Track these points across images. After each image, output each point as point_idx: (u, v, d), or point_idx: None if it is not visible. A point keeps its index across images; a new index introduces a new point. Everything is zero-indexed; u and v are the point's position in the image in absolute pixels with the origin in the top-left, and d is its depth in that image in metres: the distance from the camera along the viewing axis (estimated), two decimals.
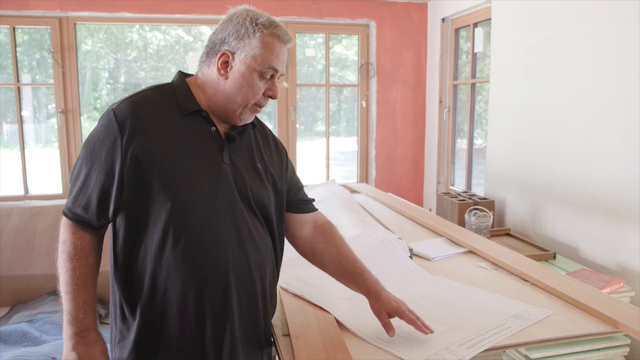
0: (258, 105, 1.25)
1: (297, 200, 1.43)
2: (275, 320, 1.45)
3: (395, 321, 1.38)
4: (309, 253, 1.45)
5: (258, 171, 1.29)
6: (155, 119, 1.18)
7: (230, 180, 1.22)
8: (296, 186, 1.45)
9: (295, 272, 1.76)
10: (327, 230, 1.46)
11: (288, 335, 1.35)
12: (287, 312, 1.46)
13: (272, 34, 1.19)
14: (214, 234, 1.17)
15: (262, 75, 1.20)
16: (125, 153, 1.13)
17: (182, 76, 1.28)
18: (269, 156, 1.35)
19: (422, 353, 1.23)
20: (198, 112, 1.22)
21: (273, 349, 1.40)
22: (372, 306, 1.33)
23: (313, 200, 1.49)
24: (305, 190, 2.91)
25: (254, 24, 1.18)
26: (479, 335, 1.31)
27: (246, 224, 1.23)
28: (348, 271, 1.39)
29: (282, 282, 1.67)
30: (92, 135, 1.18)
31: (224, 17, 1.24)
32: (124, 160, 1.13)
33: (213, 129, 1.23)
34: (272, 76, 1.23)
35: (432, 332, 1.28)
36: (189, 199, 1.16)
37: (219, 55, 1.20)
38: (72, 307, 1.15)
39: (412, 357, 1.21)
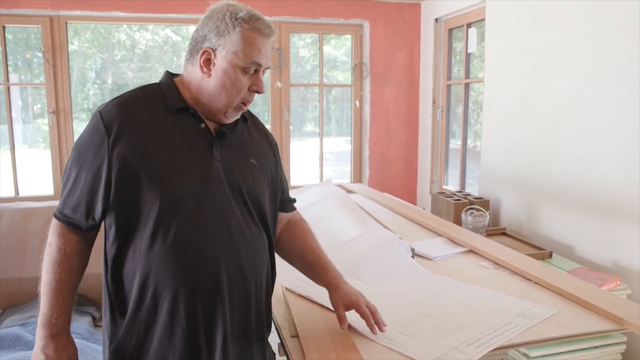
0: (244, 103, 1.23)
1: (282, 200, 1.43)
2: (282, 321, 1.45)
3: (404, 322, 1.38)
4: (276, 246, 1.46)
5: (252, 166, 1.28)
6: (143, 119, 1.18)
7: (221, 176, 1.21)
8: (283, 184, 1.45)
9: (298, 273, 1.75)
10: (297, 226, 1.48)
11: (296, 336, 1.35)
12: (293, 313, 1.46)
13: (252, 28, 1.18)
14: (204, 231, 1.17)
15: (245, 71, 1.19)
16: (111, 153, 1.13)
17: (170, 75, 1.28)
18: (262, 150, 1.35)
19: (431, 352, 1.23)
20: (186, 109, 1.22)
21: (281, 349, 1.39)
22: (330, 298, 1.37)
23: (294, 200, 1.50)
24: (302, 190, 2.91)
25: (233, 19, 1.17)
26: (487, 334, 1.31)
27: (237, 221, 1.22)
28: (311, 264, 1.42)
29: (286, 283, 1.67)
30: (81, 137, 1.18)
31: (205, 14, 1.24)
32: (111, 161, 1.13)
33: (202, 125, 1.23)
34: (257, 71, 1.21)
35: (382, 331, 1.31)
36: (178, 196, 1.15)
37: (200, 52, 1.20)
38: (47, 310, 1.17)
39: (421, 356, 1.22)
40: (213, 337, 1.19)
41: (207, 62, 1.19)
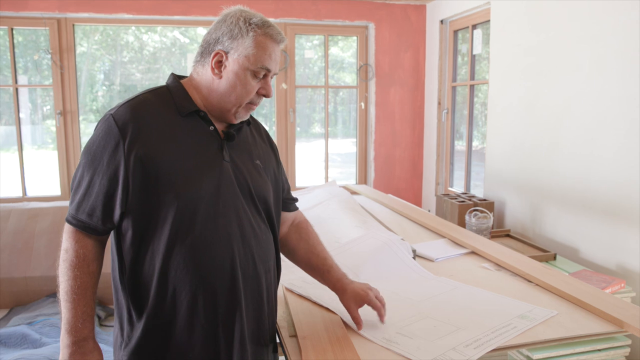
0: (252, 104, 1.27)
1: (284, 199, 1.47)
2: (282, 321, 1.46)
3: (402, 323, 1.38)
4: (283, 249, 1.50)
5: (257, 167, 1.32)
6: (155, 122, 1.19)
7: (231, 177, 1.24)
8: (285, 184, 1.48)
9: (300, 274, 1.75)
10: (303, 228, 1.51)
11: (295, 336, 1.35)
12: (293, 313, 1.46)
13: (265, 34, 1.21)
14: (219, 231, 1.19)
15: (255, 75, 1.22)
16: (128, 157, 1.13)
17: (176, 78, 1.29)
18: (264, 152, 1.39)
19: (429, 353, 1.23)
20: (196, 112, 1.24)
21: (280, 349, 1.40)
22: (341, 301, 1.40)
23: (297, 200, 1.54)
24: (306, 192, 2.93)
25: (247, 24, 1.20)
26: (485, 335, 1.31)
27: (249, 220, 1.25)
28: (316, 267, 1.45)
29: (286, 283, 1.68)
30: (92, 141, 1.18)
31: (218, 17, 1.25)
32: (128, 164, 1.13)
33: (211, 128, 1.25)
34: (266, 75, 1.25)
35: (382, 322, 1.37)
36: (194, 198, 1.17)
37: (212, 54, 1.22)
38: (72, 316, 1.16)
39: (418, 357, 1.21)
40: (231, 333, 1.22)
41: (219, 64, 1.22)
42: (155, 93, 1.25)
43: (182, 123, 1.22)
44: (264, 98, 1.29)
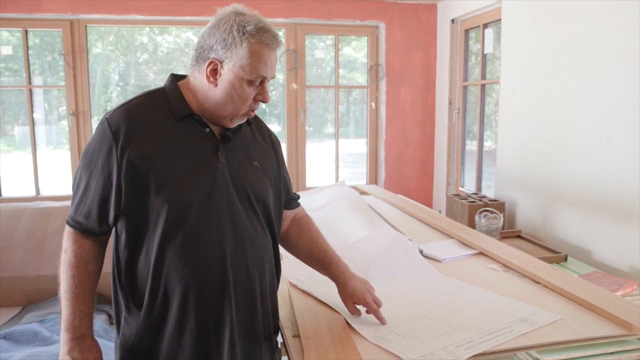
0: (250, 110, 1.26)
1: (287, 199, 1.46)
2: (285, 321, 1.46)
3: (398, 322, 1.38)
4: (284, 243, 1.51)
5: (255, 168, 1.31)
6: (149, 125, 1.20)
7: (226, 179, 1.23)
8: (287, 183, 1.47)
9: (306, 270, 1.75)
10: (304, 222, 1.51)
11: (298, 336, 1.35)
12: (296, 312, 1.46)
13: (259, 42, 1.18)
14: (211, 233, 1.19)
15: (251, 83, 1.21)
16: (121, 160, 1.15)
17: (174, 80, 1.29)
18: (265, 152, 1.37)
19: (418, 351, 1.22)
20: (191, 116, 1.24)
21: (283, 349, 1.40)
22: (339, 294, 1.42)
23: (299, 197, 1.53)
24: (315, 192, 2.92)
25: (240, 33, 1.17)
26: (479, 337, 1.29)
27: (243, 223, 1.25)
28: (318, 260, 1.46)
29: (292, 278, 1.68)
30: (89, 145, 1.20)
31: (212, 19, 1.23)
32: (120, 167, 1.15)
33: (207, 130, 1.24)
34: (262, 82, 1.23)
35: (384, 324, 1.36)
36: (186, 200, 1.18)
37: (207, 63, 1.20)
38: (69, 314, 1.19)
39: (408, 355, 1.21)
40: (221, 335, 1.22)
41: (214, 72, 1.20)
42: (151, 96, 1.26)
43: (177, 126, 1.22)
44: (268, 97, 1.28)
